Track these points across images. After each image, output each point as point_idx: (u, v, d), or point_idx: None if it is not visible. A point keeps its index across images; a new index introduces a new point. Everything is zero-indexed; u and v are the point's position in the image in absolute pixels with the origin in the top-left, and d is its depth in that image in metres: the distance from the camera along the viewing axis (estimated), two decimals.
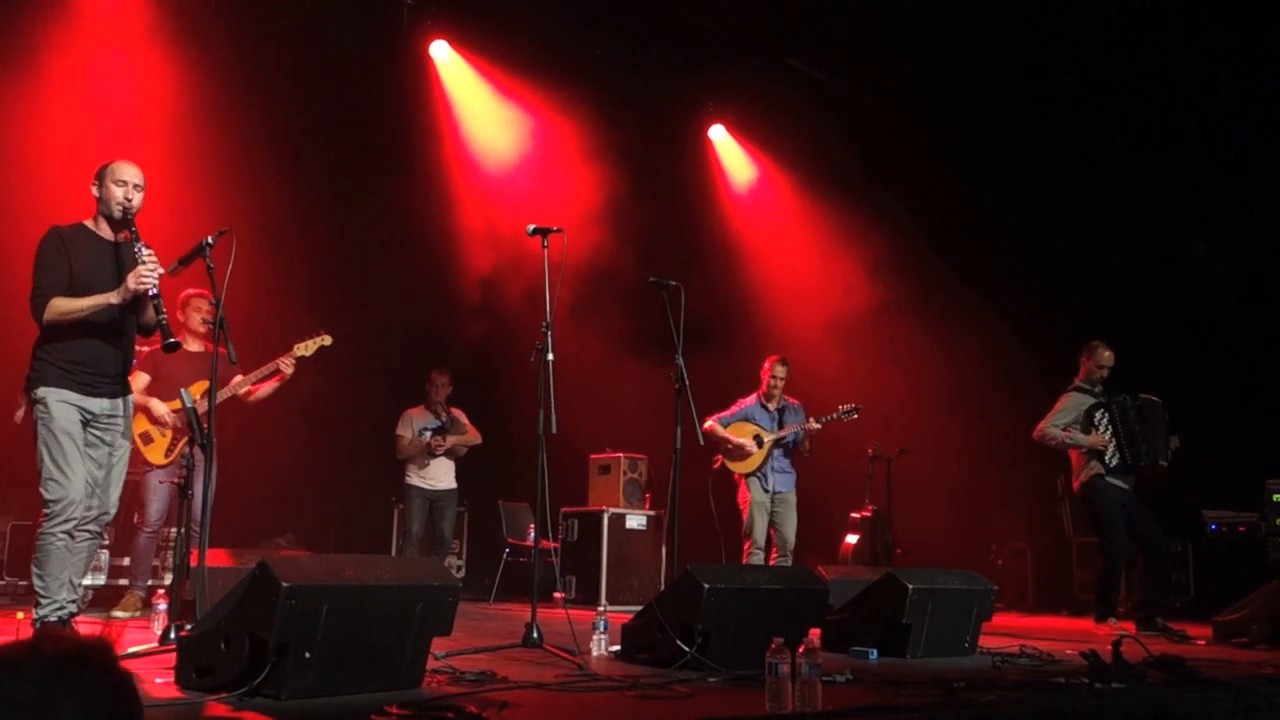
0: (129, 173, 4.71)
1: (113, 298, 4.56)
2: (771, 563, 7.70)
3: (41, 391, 4.55)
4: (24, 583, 7.14)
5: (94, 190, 4.75)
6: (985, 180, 9.89)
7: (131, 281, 4.52)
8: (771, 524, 7.81)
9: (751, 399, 7.99)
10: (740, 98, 10.84)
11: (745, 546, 7.76)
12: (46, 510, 4.51)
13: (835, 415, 7.88)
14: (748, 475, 7.80)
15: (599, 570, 8.71)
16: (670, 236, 9.97)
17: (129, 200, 4.66)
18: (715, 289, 10.23)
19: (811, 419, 7.85)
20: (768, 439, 7.80)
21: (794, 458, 7.98)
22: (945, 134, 10.02)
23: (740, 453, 7.79)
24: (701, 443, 5.57)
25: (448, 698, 3.36)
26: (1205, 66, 9.05)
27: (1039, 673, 4.44)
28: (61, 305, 4.54)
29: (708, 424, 7.71)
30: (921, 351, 9.97)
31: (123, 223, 4.67)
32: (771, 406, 7.91)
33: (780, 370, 7.87)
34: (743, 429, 7.85)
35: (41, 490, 4.52)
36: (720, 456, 7.89)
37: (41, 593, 4.51)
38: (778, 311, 10.87)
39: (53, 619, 4.49)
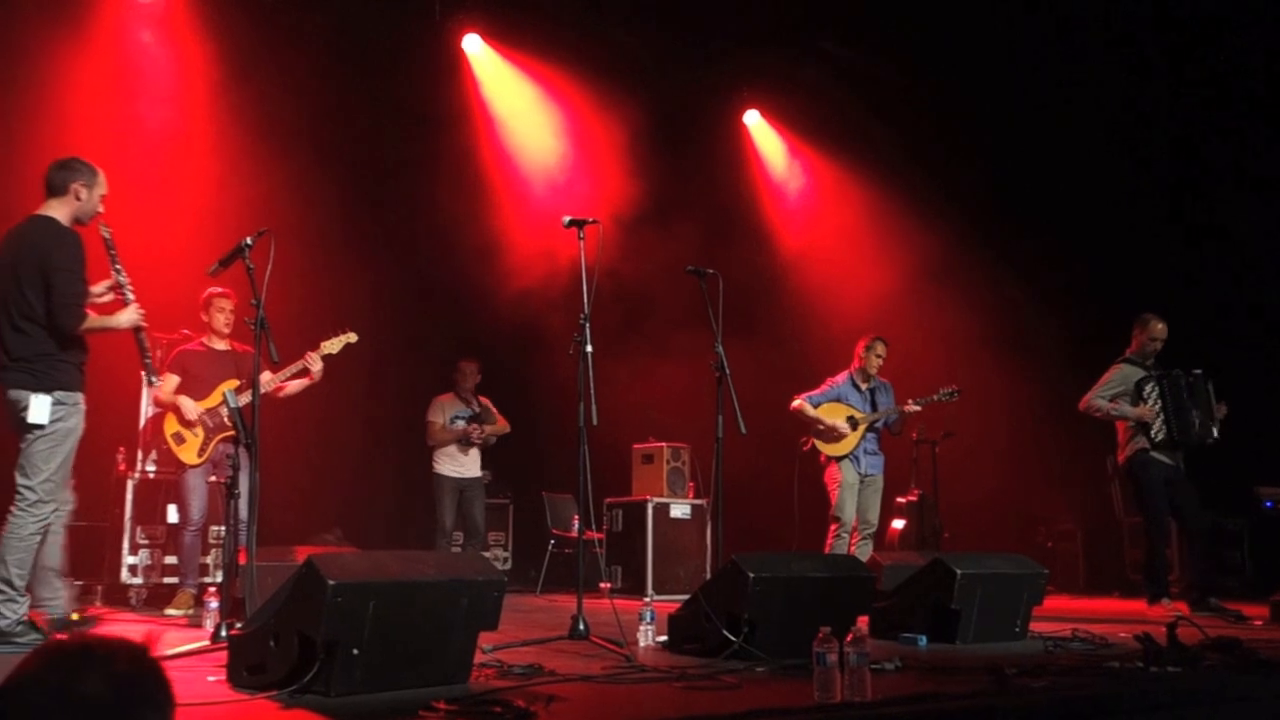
0: (106, 186, 4.87)
1: (121, 324, 4.79)
2: (853, 543, 7.54)
3: (79, 397, 4.70)
4: None
5: (79, 190, 4.76)
6: (1028, 157, 9.72)
7: (140, 318, 4.82)
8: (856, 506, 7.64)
9: (842, 377, 7.76)
10: (773, 82, 10.74)
11: (832, 529, 7.54)
12: (37, 511, 4.57)
13: (936, 397, 7.72)
14: (840, 458, 7.59)
15: (644, 560, 8.70)
16: (707, 223, 9.90)
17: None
18: (753, 274, 10.16)
19: (911, 401, 7.68)
20: (862, 421, 7.60)
21: (883, 439, 7.82)
22: (982, 112, 9.85)
23: (833, 434, 7.55)
24: (743, 431, 5.50)
25: (495, 692, 3.37)
26: (1253, 35, 8.84)
27: (1092, 657, 4.37)
28: (93, 323, 4.72)
29: (796, 403, 7.60)
30: (965, 333, 9.85)
31: (94, 233, 4.85)
32: (864, 386, 7.72)
33: (880, 349, 7.66)
34: (834, 409, 7.62)
35: (31, 487, 4.57)
36: (810, 437, 7.67)
37: (19, 589, 4.56)
38: (816, 296, 10.79)
39: (25, 615, 4.56)
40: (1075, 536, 10.09)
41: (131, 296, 4.86)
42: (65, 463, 4.66)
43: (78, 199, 4.75)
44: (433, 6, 9.49)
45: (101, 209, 4.85)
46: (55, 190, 4.74)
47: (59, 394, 4.60)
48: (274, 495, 6.32)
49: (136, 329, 4.87)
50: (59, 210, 4.74)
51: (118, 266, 4.86)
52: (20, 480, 4.60)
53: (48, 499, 4.60)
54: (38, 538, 4.61)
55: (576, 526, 8.87)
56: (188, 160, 8.38)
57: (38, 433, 4.59)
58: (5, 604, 4.53)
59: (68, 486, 4.81)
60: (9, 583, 4.54)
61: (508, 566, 9.89)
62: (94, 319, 4.73)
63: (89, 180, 4.77)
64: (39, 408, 4.55)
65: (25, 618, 4.57)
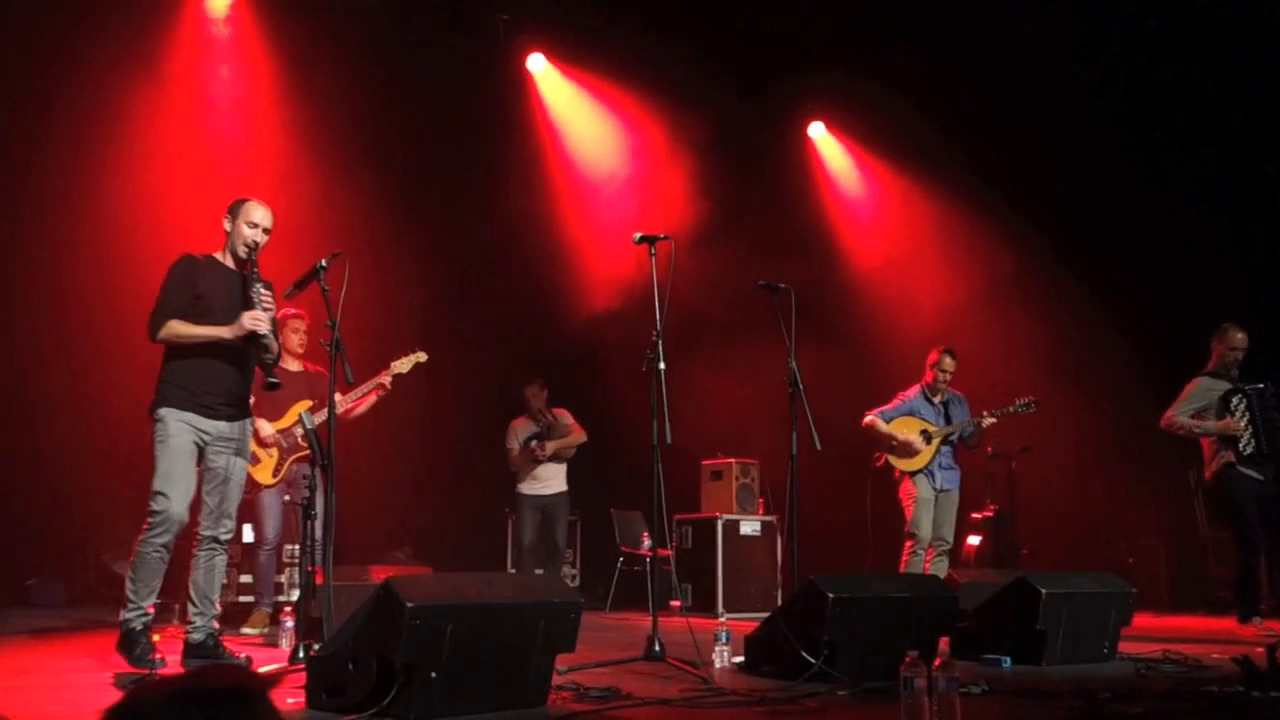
0: (259, 215, 4.88)
1: (225, 333, 4.72)
2: (928, 560, 7.35)
3: (163, 412, 4.72)
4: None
5: (225, 224, 4.91)
6: (1097, 169, 9.50)
7: (247, 322, 4.68)
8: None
9: (913, 391, 7.55)
10: (837, 94, 10.62)
11: (907, 545, 7.34)
12: (149, 522, 4.66)
13: (1012, 409, 7.41)
14: (914, 473, 7.40)
15: (715, 577, 8.62)
16: (772, 236, 9.80)
17: (255, 243, 4.83)
18: (820, 287, 10.03)
19: (986, 413, 7.42)
20: (936, 435, 7.41)
21: (958, 453, 7.59)
22: (1052, 124, 9.63)
23: (907, 450, 7.37)
24: (818, 447, 5.42)
25: (573, 716, 3.33)
26: None
27: (1188, 680, 4.21)
28: (177, 328, 4.72)
29: (868, 418, 7.43)
30: (1040, 344, 9.63)
31: (245, 261, 4.84)
32: (936, 400, 7.52)
33: (948, 362, 7.43)
34: (908, 424, 7.43)
35: (149, 503, 4.69)
36: (883, 454, 7.50)
37: (132, 598, 4.66)
38: (885, 309, 10.65)
39: (137, 625, 4.64)
40: (1158, 552, 9.79)
41: (257, 302, 4.74)
42: (166, 479, 4.65)
43: (226, 231, 4.90)
44: (497, 28, 9.58)
45: (257, 238, 4.83)
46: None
47: (159, 412, 4.74)
48: (343, 513, 6.35)
49: (261, 337, 4.75)
50: (225, 249, 4.93)
51: (256, 284, 4.80)
52: None
53: (158, 513, 4.64)
54: (152, 554, 4.68)
55: (645, 543, 8.87)
56: (257, 180, 8.51)
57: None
58: (128, 609, 4.66)
59: (212, 509, 4.90)
60: (130, 590, 4.68)
61: (576, 584, 9.87)
62: (180, 326, 4.71)
63: (234, 211, 4.89)
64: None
65: (141, 628, 4.65)
